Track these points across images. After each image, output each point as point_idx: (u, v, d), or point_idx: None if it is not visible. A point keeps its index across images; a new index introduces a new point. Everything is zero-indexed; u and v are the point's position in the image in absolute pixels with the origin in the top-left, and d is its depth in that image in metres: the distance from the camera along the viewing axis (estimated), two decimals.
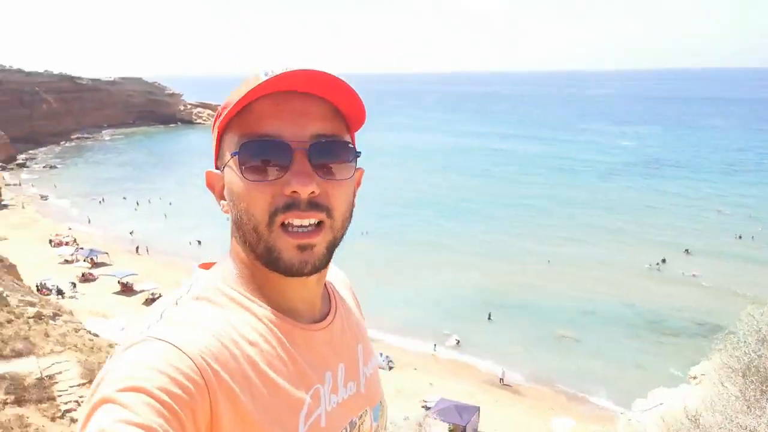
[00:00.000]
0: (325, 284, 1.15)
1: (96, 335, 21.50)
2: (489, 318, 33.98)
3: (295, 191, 0.92)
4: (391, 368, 28.97)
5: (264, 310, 0.99)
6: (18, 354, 16.57)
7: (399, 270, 41.64)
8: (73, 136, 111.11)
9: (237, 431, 0.86)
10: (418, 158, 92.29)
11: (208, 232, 49.24)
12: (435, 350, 31.04)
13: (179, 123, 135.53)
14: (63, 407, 15.80)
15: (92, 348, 19.23)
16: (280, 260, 0.95)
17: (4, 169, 78.94)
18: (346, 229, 1.02)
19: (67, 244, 45.76)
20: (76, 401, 16.23)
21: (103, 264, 41.77)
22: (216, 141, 1.03)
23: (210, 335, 0.89)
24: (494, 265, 42.17)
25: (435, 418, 23.30)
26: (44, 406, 15.33)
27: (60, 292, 34.69)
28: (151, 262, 43.47)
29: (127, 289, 37.04)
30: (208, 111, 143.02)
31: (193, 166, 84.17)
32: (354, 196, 1.05)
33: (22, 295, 22.08)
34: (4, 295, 19.61)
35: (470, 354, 30.58)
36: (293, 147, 0.94)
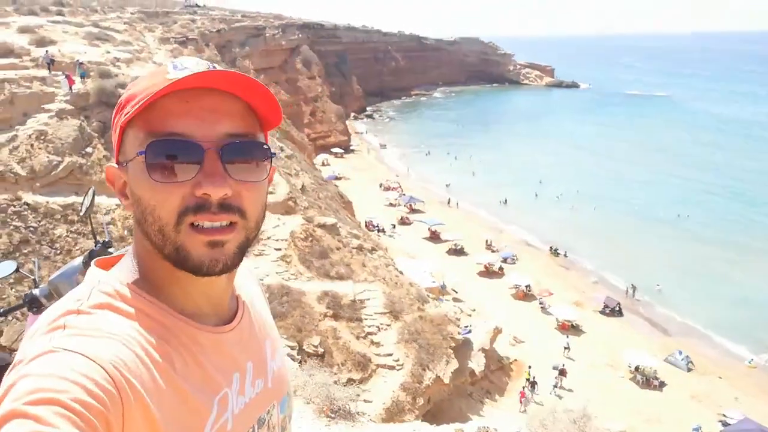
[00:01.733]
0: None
1: (401, 272, 24.20)
2: None
3: (206, 193, 0.90)
4: (690, 370, 25.98)
5: (169, 315, 0.96)
6: (340, 277, 19.72)
7: (720, 263, 36.34)
8: (412, 92, 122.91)
9: None
10: (749, 134, 77.77)
11: (516, 192, 50.32)
12: (750, 362, 26.58)
13: (507, 83, 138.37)
14: (366, 329, 18.45)
15: (396, 283, 21.75)
16: (189, 259, 0.92)
17: (356, 118, 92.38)
18: (260, 229, 1.00)
19: (393, 189, 51.93)
20: (378, 326, 18.77)
21: (418, 211, 46.34)
22: (118, 136, 0.97)
23: (119, 344, 0.86)
24: None
25: None
26: (353, 324, 17.99)
27: (381, 230, 39.88)
28: (459, 214, 46.55)
29: (434, 236, 40.57)
30: (536, 72, 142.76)
31: (513, 125, 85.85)
32: (267, 194, 1.02)
33: (350, 228, 26.15)
34: (337, 226, 23.44)
35: None
36: (204, 147, 0.90)
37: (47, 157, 16.68)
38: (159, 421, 0.86)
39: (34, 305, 2.23)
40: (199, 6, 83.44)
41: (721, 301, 31.44)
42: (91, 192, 2.26)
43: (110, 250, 2.25)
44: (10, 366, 0.82)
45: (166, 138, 0.90)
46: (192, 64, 0.95)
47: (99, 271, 1.02)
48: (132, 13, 51.79)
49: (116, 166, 0.99)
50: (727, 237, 40.78)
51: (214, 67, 0.95)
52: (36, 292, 2.24)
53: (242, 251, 0.97)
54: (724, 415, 22.12)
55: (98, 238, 2.31)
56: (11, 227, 14.83)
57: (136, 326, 0.91)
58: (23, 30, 26.55)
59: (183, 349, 0.95)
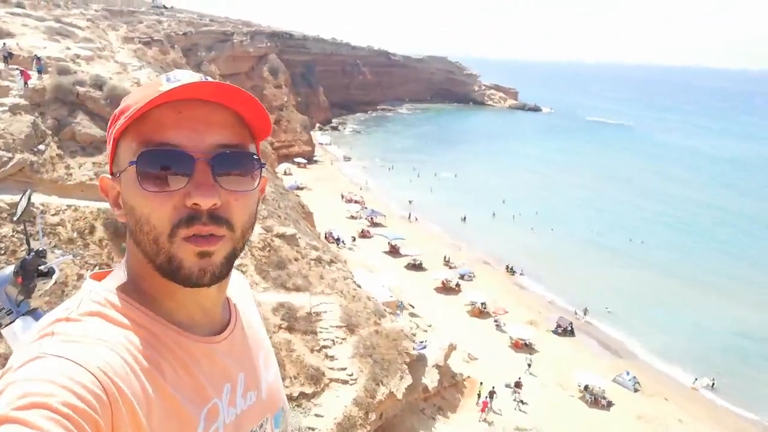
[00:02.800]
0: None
1: (359, 286, 24.11)
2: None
3: (196, 203, 0.90)
4: (636, 390, 26.66)
5: (160, 325, 0.97)
6: (297, 288, 19.49)
7: (672, 287, 37.59)
8: (378, 107, 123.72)
9: None
10: (708, 169, 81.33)
11: (475, 211, 50.95)
12: (694, 384, 27.45)
13: (471, 103, 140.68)
14: (321, 342, 18.27)
15: (354, 296, 21.64)
16: (180, 269, 0.93)
17: (321, 129, 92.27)
18: (248, 239, 1.00)
19: (356, 202, 51.95)
20: (333, 340, 18.62)
21: (379, 224, 46.46)
22: (111, 147, 0.98)
23: (108, 350, 0.86)
24: None
25: None
26: (308, 337, 17.78)
27: (342, 242, 39.77)
28: (419, 229, 46.86)
29: (394, 251, 40.69)
30: (500, 93, 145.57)
31: (475, 144, 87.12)
32: (257, 204, 1.03)
33: (309, 239, 25.92)
34: (297, 236, 23.24)
35: (736, 401, 26.37)
36: (195, 158, 0.91)
37: None
38: (146, 428, 0.85)
39: None
40: (166, 7, 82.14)
41: (668, 325, 32.47)
42: (27, 194, 2.13)
43: (44, 259, 2.11)
44: (2, 371, 0.82)
45: (157, 148, 0.91)
46: (185, 77, 0.95)
47: (92, 282, 1.02)
48: (96, 11, 50.60)
49: (110, 177, 1.00)
50: (676, 265, 42.17)
51: (206, 79, 0.95)
52: None
53: (230, 262, 0.98)
54: None
55: (32, 245, 2.16)
56: None
57: (126, 334, 0.92)
58: None
59: (173, 358, 0.96)
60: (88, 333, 0.88)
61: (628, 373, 27.27)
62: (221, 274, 0.97)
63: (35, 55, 21.10)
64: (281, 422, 1.19)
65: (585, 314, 33.53)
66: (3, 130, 16.57)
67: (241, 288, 1.26)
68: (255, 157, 1.00)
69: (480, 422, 21.98)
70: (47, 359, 0.81)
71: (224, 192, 0.93)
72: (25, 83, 18.20)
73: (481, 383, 24.08)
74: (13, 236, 13.81)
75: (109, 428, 0.79)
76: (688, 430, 23.63)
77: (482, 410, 22.62)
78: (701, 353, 29.92)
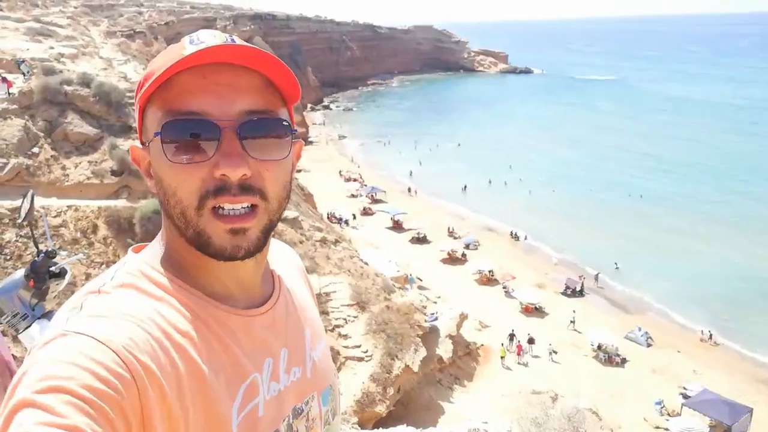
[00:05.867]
0: (268, 265, 1.09)
1: (366, 263, 24.18)
2: None
3: (224, 174, 0.86)
4: (649, 345, 26.82)
5: (195, 297, 0.93)
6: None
7: (674, 240, 37.65)
8: (369, 82, 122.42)
9: (165, 428, 0.80)
10: (712, 115, 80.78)
11: (475, 179, 50.83)
12: (704, 335, 27.60)
13: (462, 70, 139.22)
14: (333, 322, 18.36)
15: (362, 274, 21.72)
16: (210, 245, 0.89)
17: (313, 110, 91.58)
18: (284, 209, 0.97)
19: (354, 180, 51.76)
20: (345, 319, 18.70)
21: (380, 201, 46.31)
22: (138, 115, 0.94)
23: (135, 326, 0.82)
24: None
25: (693, 409, 21.10)
26: None
27: (344, 222, 39.73)
28: (421, 203, 46.74)
29: (397, 226, 40.64)
30: (490, 58, 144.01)
31: (469, 112, 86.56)
32: (292, 172, 0.99)
33: (312, 221, 25.91)
34: (299, 219, 23.19)
35: (747, 346, 26.58)
36: (221, 126, 0.87)
37: None
38: (178, 407, 0.82)
39: None
40: None
41: (677, 276, 32.48)
42: (29, 196, 2.04)
43: (55, 260, 2.04)
44: (29, 348, 0.81)
45: (181, 117, 0.87)
46: (209, 38, 0.91)
47: (130, 254, 1.00)
48: (75, 7, 49.80)
49: (140, 146, 0.96)
50: (679, 214, 42.15)
51: (232, 40, 0.91)
52: None
53: (266, 235, 0.94)
54: (684, 388, 22.89)
55: (40, 246, 2.08)
56: None
57: (158, 306, 0.88)
58: None
59: (209, 332, 0.92)
60: (115, 307, 0.85)
61: (639, 329, 27.40)
62: (256, 249, 0.93)
63: (19, 59, 20.77)
64: (329, 400, 1.14)
65: (596, 280, 33.37)
66: None
67: (290, 261, 1.22)
68: (285, 122, 0.94)
69: (518, 365, 24.12)
70: (69, 337, 0.77)
71: (254, 161, 0.89)
72: (8, 91, 17.93)
73: (502, 344, 24.67)
74: (17, 241, 13.74)
75: (137, 408, 0.76)
76: (703, 379, 23.79)
77: (518, 354, 24.55)
78: (709, 302, 30.00)
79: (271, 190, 0.91)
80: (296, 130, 0.97)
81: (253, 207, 0.90)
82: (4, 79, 18.24)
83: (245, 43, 0.90)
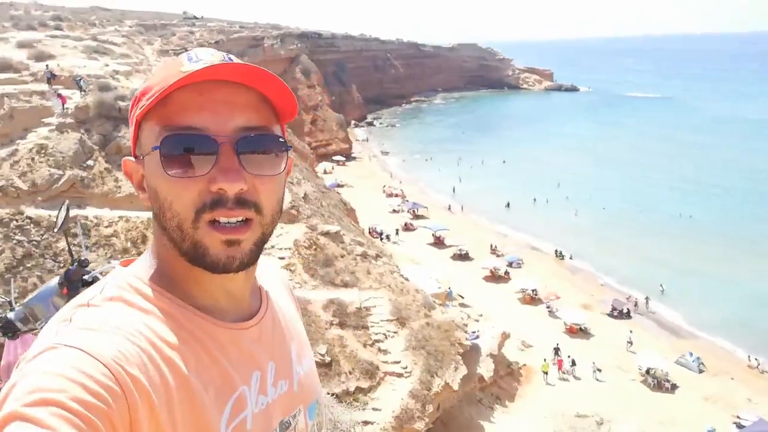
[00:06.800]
0: (256, 281, 1.11)
1: (407, 279, 24.05)
2: None
3: (222, 188, 0.88)
4: (701, 371, 25.73)
5: (184, 310, 0.94)
6: (345, 284, 19.59)
7: (722, 263, 36.10)
8: (412, 99, 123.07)
9: None
10: (755, 135, 77.94)
11: (518, 196, 50.20)
12: (752, 361, 26.32)
13: (506, 88, 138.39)
14: (373, 337, 18.28)
15: (402, 290, 21.59)
16: (206, 256, 0.90)
17: (356, 126, 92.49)
18: (276, 223, 0.98)
19: (396, 195, 51.87)
20: (384, 334, 18.59)
21: (422, 216, 46.24)
22: (134, 129, 0.96)
23: (124, 339, 0.82)
24: None
25: None
26: (359, 332, 17.83)
27: (385, 237, 39.76)
28: (463, 219, 46.41)
29: (439, 242, 40.43)
30: (535, 76, 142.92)
31: (513, 129, 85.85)
32: (284, 187, 1.01)
33: (354, 236, 26.00)
34: (341, 233, 23.32)
35: None
36: (219, 141, 0.88)
37: (48, 170, 16.58)
38: (166, 420, 0.83)
39: (9, 330, 2.07)
40: (197, 18, 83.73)
41: (728, 301, 31.18)
42: (64, 207, 2.12)
43: (87, 269, 2.10)
44: (18, 360, 0.81)
45: (180, 132, 0.89)
46: (207, 56, 0.93)
47: (119, 268, 1.00)
48: (130, 26, 51.94)
49: (133, 159, 0.98)
50: (730, 237, 40.56)
51: (229, 58, 0.94)
52: (10, 315, 2.09)
53: (259, 248, 0.95)
54: (738, 417, 21.86)
55: (75, 256, 2.15)
56: (14, 241, 14.70)
57: (147, 320, 0.89)
58: (22, 45, 26.59)
59: (198, 345, 0.93)
60: (105, 320, 0.85)
61: (691, 354, 26.33)
62: (250, 261, 0.94)
63: (77, 75, 21.72)
64: (315, 414, 1.15)
65: (646, 303, 32.30)
66: (52, 148, 17.13)
67: (277, 278, 1.25)
68: (281, 139, 0.97)
69: (559, 380, 24.01)
70: (60, 350, 0.78)
71: (250, 176, 0.91)
72: (63, 107, 18.76)
73: (545, 359, 24.43)
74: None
75: (126, 420, 0.77)
76: (759, 408, 22.63)
77: (559, 368, 24.51)
78: (758, 327, 28.63)
79: (266, 204, 0.94)
80: (291, 147, 0.99)
81: (247, 220, 0.91)
82: (60, 95, 19.09)
83: (242, 61, 0.93)
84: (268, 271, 1.21)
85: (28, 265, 14.44)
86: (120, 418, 0.75)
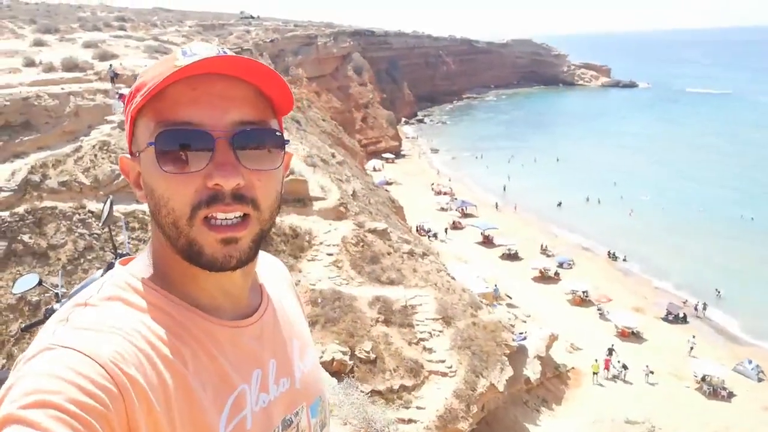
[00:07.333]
0: (256, 277, 1.10)
1: (453, 278, 23.92)
2: None
3: (218, 184, 0.87)
4: (760, 380, 24.62)
5: (182, 309, 0.93)
6: (391, 282, 19.68)
7: None
8: (464, 96, 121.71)
9: None
10: None
11: (570, 195, 49.08)
12: None
13: (561, 84, 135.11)
14: (418, 335, 18.29)
15: (448, 289, 21.50)
16: (202, 255, 0.89)
17: (407, 123, 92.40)
18: (275, 219, 0.96)
19: (445, 193, 51.61)
20: (430, 332, 18.58)
21: (470, 215, 45.83)
22: (129, 125, 0.95)
23: (121, 339, 0.82)
24: None
25: None
26: (404, 330, 17.87)
27: (433, 235, 39.64)
28: (513, 218, 45.76)
29: (487, 241, 40.03)
30: (592, 72, 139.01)
31: (568, 127, 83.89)
32: (282, 182, 0.98)
33: (401, 233, 26.05)
34: (388, 231, 23.41)
35: None
36: (215, 136, 0.88)
37: (110, 166, 17.36)
38: (164, 420, 0.82)
39: None
40: (253, 17, 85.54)
41: None
42: (108, 202, 2.22)
43: None
44: (15, 361, 0.80)
45: (175, 128, 0.88)
46: (202, 50, 0.92)
47: (117, 266, 1.00)
48: (190, 26, 53.57)
49: (129, 156, 0.97)
50: None
51: (224, 52, 0.92)
52: (57, 306, 2.20)
53: (257, 245, 0.94)
54: None
55: (118, 250, 2.25)
56: (76, 234, 15.50)
57: (144, 319, 0.88)
58: (87, 45, 27.86)
59: (196, 344, 0.92)
60: (101, 320, 0.85)
61: (750, 362, 25.22)
62: (248, 259, 0.93)
63: (138, 74, 22.58)
64: (318, 412, 1.14)
65: (704, 308, 31.13)
66: (114, 145, 17.91)
67: (278, 274, 1.23)
68: (278, 133, 0.96)
69: (606, 380, 23.87)
70: (55, 351, 0.78)
71: (247, 171, 0.90)
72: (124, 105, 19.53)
73: (596, 360, 24.18)
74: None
75: (123, 421, 0.76)
76: None
77: (606, 368, 24.23)
78: None
79: (263, 200, 0.92)
80: (288, 141, 0.97)
81: (245, 216, 0.90)
82: (122, 95, 19.92)
83: (238, 55, 0.91)
84: (271, 268, 1.21)
85: (89, 258, 15.20)
86: (117, 419, 0.75)
